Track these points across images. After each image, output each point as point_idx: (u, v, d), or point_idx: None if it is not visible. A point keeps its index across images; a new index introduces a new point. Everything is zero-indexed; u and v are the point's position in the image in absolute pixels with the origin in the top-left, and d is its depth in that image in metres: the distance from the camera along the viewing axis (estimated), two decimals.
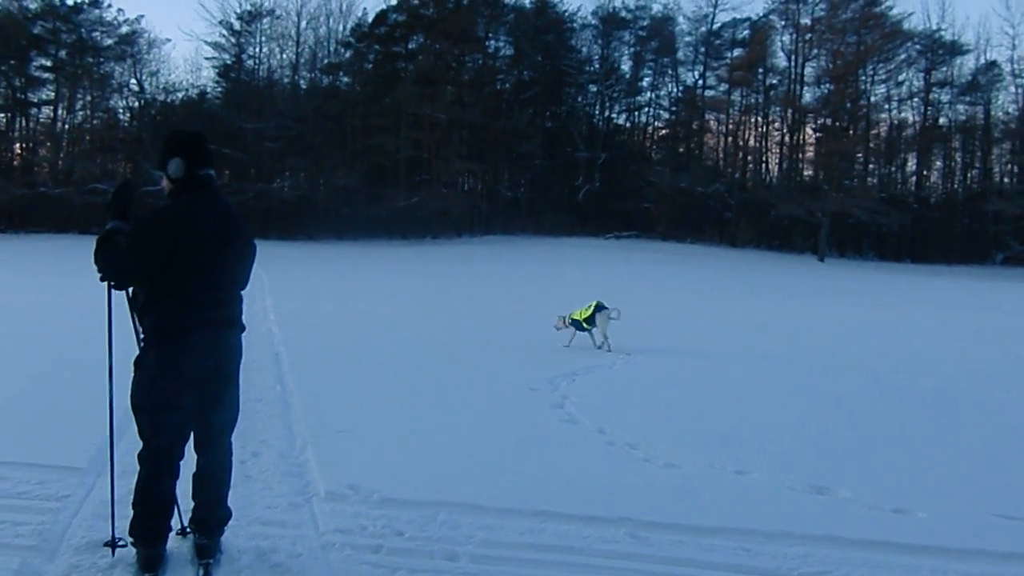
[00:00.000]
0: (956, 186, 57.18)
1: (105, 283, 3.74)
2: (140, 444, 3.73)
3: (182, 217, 3.63)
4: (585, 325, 11.68)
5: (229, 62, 52.10)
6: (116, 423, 3.99)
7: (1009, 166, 57.37)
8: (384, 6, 52.02)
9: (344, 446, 5.75)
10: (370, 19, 52.16)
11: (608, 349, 11.40)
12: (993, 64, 55.07)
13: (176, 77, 55.46)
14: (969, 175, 57.52)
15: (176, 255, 3.56)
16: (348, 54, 52.57)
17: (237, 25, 51.05)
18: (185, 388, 3.64)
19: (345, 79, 52.95)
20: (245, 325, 3.96)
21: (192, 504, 3.91)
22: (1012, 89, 54.75)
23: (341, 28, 52.67)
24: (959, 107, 56.08)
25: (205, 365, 3.68)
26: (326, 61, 52.70)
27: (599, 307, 11.65)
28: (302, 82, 53.35)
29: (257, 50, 52.31)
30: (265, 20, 51.50)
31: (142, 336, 3.75)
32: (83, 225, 41.30)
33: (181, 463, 3.79)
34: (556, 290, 23.37)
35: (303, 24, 51.93)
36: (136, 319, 3.81)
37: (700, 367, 10.32)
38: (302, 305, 16.59)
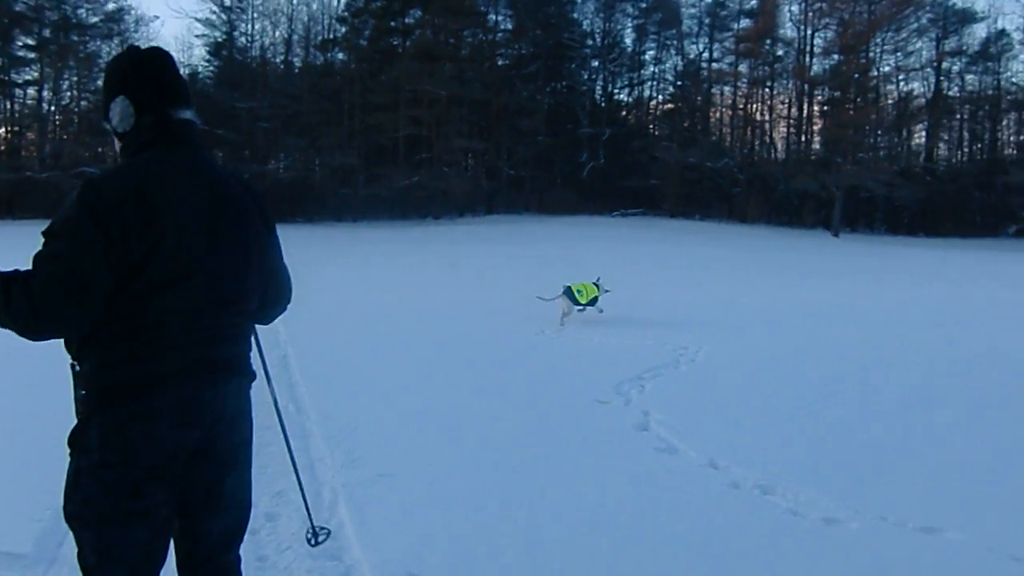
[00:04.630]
0: (964, 158, 55.98)
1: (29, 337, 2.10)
2: None
3: (133, 188, 2.08)
4: (581, 302, 11.43)
5: (220, 40, 50.33)
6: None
7: (1019, 137, 56.29)
8: None
9: (387, 501, 4.30)
10: None
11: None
12: (1003, 33, 53.74)
13: None
14: (975, 148, 56.28)
15: (128, 254, 2.04)
16: (343, 30, 50.83)
17: (228, 1, 49.29)
18: (152, 481, 2.12)
19: (340, 56, 51.29)
20: (255, 372, 2.43)
21: None
22: (1022, 58, 53.57)
23: (335, 3, 50.95)
24: (968, 77, 54.82)
25: (184, 440, 2.17)
26: (320, 38, 50.99)
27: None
28: (296, 60, 51.69)
29: (249, 27, 50.53)
30: None
31: (83, 394, 2.16)
32: None
33: None
34: (569, 272, 21.93)
35: (296, 0, 50.17)
36: (73, 369, 2.20)
37: (781, 366, 8.81)
38: (306, 294, 15.03)
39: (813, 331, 11.64)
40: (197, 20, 50.33)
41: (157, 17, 59.11)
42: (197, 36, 51.47)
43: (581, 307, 11.53)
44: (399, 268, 22.46)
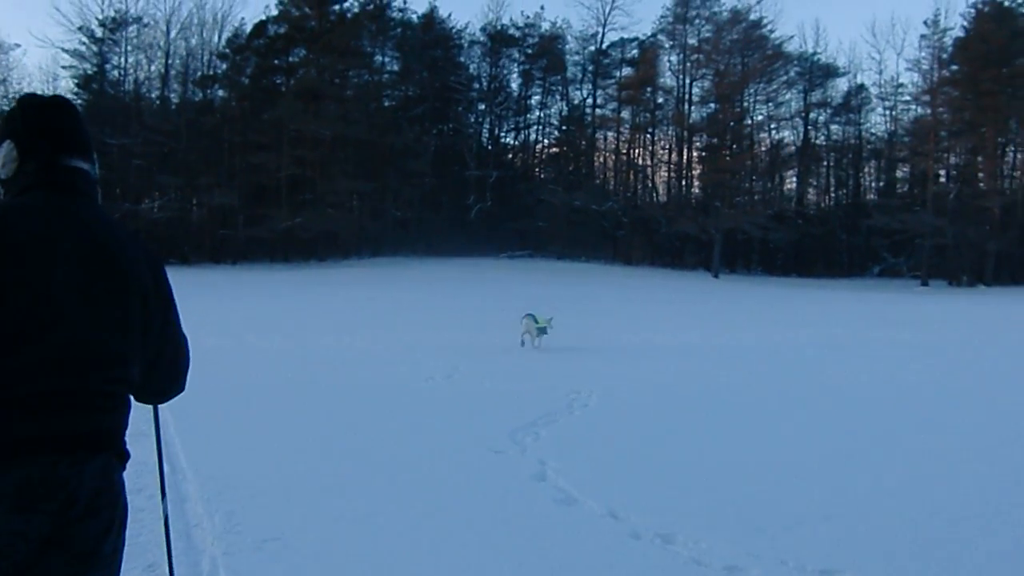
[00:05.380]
0: (831, 203, 59.15)
1: None
2: None
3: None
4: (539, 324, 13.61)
5: (90, 72, 48.41)
6: None
7: (878, 183, 60.02)
8: (263, 17, 49.56)
9: (272, 570, 3.96)
10: (248, 30, 49.58)
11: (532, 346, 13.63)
12: (862, 87, 57.34)
13: (28, 86, 50.91)
14: (841, 193, 59.60)
15: None
16: (224, 67, 49.72)
17: (99, 32, 47.58)
18: None
19: (220, 93, 50.14)
20: (128, 451, 2.08)
21: None
22: (879, 110, 57.36)
23: (216, 39, 49.85)
24: (833, 127, 58.27)
25: (26, 528, 1.82)
26: (199, 74, 49.71)
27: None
28: (173, 96, 50.17)
29: (122, 60, 48.90)
30: (131, 28, 48.23)
31: None
32: None
33: None
34: (458, 315, 21.79)
35: (173, 34, 48.86)
36: None
37: (672, 409, 8.85)
38: None
39: (699, 373, 11.81)
40: (64, 51, 48.36)
41: (19, 45, 56.12)
42: (64, 67, 49.15)
43: (540, 328, 13.51)
44: (280, 313, 21.81)
